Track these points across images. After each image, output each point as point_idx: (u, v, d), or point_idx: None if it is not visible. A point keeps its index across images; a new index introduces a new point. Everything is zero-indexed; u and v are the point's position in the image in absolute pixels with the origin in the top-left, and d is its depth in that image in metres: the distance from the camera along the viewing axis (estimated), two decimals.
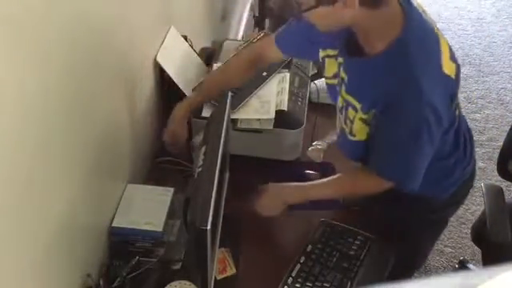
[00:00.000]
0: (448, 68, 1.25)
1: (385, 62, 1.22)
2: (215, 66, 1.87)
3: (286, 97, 1.73)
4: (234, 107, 1.64)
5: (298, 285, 1.40)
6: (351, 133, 1.35)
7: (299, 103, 1.76)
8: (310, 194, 1.48)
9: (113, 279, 1.37)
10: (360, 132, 1.32)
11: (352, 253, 1.47)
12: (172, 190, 1.57)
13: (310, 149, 1.80)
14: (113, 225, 1.48)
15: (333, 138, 1.67)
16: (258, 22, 3.00)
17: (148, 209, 1.51)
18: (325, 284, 1.40)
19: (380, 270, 1.46)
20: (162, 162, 1.74)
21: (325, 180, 1.47)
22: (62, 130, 1.18)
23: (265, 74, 1.79)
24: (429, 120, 1.22)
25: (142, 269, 1.40)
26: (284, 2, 2.68)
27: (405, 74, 1.20)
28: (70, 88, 1.19)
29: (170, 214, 1.52)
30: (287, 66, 1.84)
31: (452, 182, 1.49)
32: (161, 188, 1.58)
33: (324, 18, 1.20)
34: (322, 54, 1.42)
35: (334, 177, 1.48)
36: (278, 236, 1.53)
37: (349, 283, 1.41)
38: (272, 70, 1.79)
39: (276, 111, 1.69)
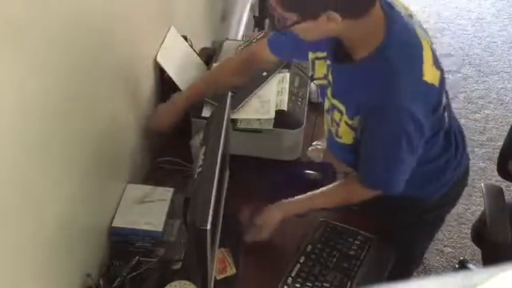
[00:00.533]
0: (430, 76, 1.24)
1: (368, 67, 1.23)
2: (215, 65, 1.87)
3: (286, 97, 1.73)
4: (234, 107, 1.64)
5: (297, 285, 1.40)
6: (337, 135, 1.36)
7: (299, 103, 1.76)
8: (307, 207, 1.49)
9: (113, 279, 1.37)
10: (345, 135, 1.33)
11: (352, 253, 1.47)
12: (172, 190, 1.57)
13: (309, 149, 1.80)
14: (113, 225, 1.48)
15: None
16: (258, 21, 2.99)
17: (148, 209, 1.51)
18: (325, 284, 1.40)
19: (380, 270, 1.46)
20: (161, 161, 1.74)
21: (322, 189, 1.47)
22: (62, 129, 1.18)
23: (265, 74, 1.78)
24: (407, 129, 1.22)
25: (142, 269, 1.40)
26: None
27: (385, 80, 1.20)
28: (69, 88, 1.20)
29: (170, 214, 1.52)
30: (287, 65, 1.83)
31: (443, 183, 1.49)
32: (161, 188, 1.58)
33: (308, 32, 1.22)
34: (311, 56, 1.43)
35: (330, 186, 1.48)
36: (278, 236, 1.53)
37: (349, 283, 1.41)
38: (272, 70, 1.79)
39: (276, 111, 1.69)
